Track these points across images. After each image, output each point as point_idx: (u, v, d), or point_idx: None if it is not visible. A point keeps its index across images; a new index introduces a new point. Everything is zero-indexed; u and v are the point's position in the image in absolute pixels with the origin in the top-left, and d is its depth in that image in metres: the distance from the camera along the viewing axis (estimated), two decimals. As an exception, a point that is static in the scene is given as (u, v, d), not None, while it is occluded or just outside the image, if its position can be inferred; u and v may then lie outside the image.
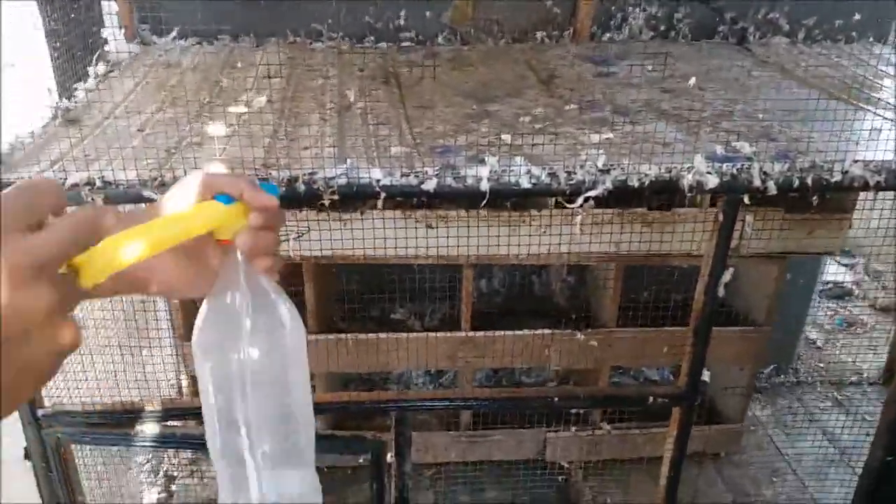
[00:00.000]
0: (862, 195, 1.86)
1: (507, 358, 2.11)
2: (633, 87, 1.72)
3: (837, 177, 1.25)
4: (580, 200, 1.23)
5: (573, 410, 2.31)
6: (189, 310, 2.00)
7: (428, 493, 2.24)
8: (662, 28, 2.14)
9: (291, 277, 2.09)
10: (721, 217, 1.29)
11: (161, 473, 2.25)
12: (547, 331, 2.11)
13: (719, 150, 1.28)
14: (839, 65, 1.99)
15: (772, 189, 1.24)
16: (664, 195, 1.88)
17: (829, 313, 3.08)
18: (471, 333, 2.09)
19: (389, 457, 1.41)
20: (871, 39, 2.17)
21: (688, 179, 1.23)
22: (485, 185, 1.20)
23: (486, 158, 1.21)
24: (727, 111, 1.56)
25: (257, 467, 0.66)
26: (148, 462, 2.30)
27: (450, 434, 2.28)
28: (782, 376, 2.77)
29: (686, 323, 2.12)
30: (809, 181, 1.25)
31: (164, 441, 1.34)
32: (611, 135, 1.37)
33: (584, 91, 1.69)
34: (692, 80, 1.67)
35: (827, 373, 2.76)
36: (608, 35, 2.12)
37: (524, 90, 1.71)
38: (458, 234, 1.88)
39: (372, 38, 2.04)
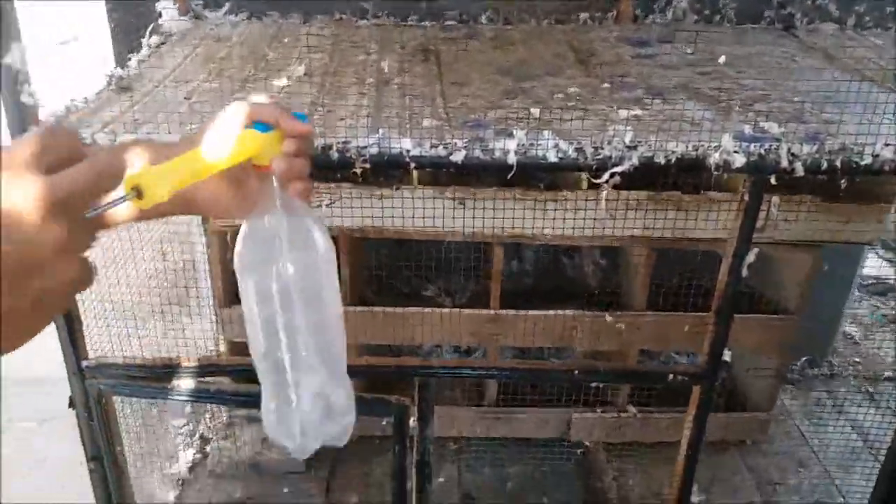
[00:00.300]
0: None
1: (534, 337, 2.13)
2: (670, 69, 1.72)
3: (868, 160, 1.25)
4: (606, 176, 1.25)
5: (598, 392, 2.34)
6: (228, 278, 2.08)
7: (451, 465, 2.29)
8: (707, 12, 2.12)
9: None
10: (746, 197, 1.30)
11: (197, 436, 2.34)
12: (574, 311, 2.13)
13: (747, 129, 1.28)
14: (887, 51, 1.95)
15: (799, 170, 1.25)
16: (696, 178, 1.88)
17: (869, 309, 3.03)
18: (499, 311, 2.13)
19: (412, 422, 1.45)
20: (923, 27, 2.12)
21: (714, 158, 1.24)
22: (512, 158, 1.23)
23: (514, 132, 1.24)
24: (763, 94, 1.56)
25: (295, 372, 0.71)
26: (185, 425, 2.40)
27: (475, 409, 2.32)
28: (816, 369, 2.74)
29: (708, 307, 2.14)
30: (838, 163, 1.24)
31: (199, 395, 1.41)
32: (639, 111, 1.39)
33: (620, 71, 1.70)
34: (722, 58, 1.67)
35: (862, 367, 2.72)
36: (651, 17, 2.11)
37: (562, 69, 1.73)
38: (489, 212, 1.92)
39: (416, 16, 2.08)
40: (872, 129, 1.27)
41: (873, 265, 3.12)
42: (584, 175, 1.89)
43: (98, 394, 1.39)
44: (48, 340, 1.51)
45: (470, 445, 2.34)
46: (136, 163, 0.60)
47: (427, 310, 2.13)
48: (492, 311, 2.14)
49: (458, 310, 2.19)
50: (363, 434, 2.30)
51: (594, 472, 2.29)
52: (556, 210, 1.93)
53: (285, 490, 2.15)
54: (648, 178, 1.95)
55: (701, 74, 1.68)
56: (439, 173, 1.97)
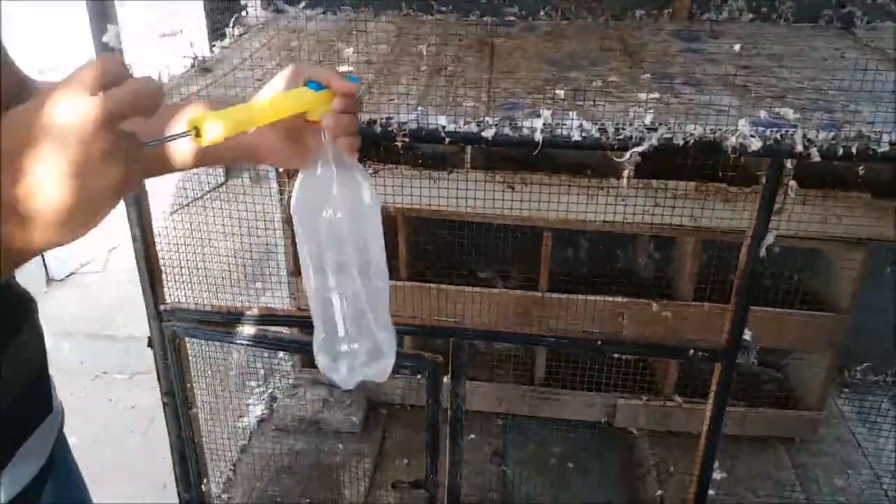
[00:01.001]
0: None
1: (581, 322, 2.22)
2: (713, 63, 1.78)
3: (885, 147, 1.29)
4: (627, 155, 1.34)
5: (645, 380, 2.40)
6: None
7: (497, 440, 2.40)
8: (764, 10, 2.16)
9: (388, 228, 2.31)
10: (764, 180, 1.36)
11: (267, 394, 2.55)
12: (622, 298, 2.21)
13: (763, 114, 1.35)
14: (947, 51, 1.94)
15: (815, 156, 1.30)
16: (742, 172, 1.93)
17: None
18: (546, 294, 2.23)
19: (446, 379, 1.58)
20: None
21: (731, 141, 1.31)
22: (538, 136, 1.34)
23: (541, 112, 1.36)
24: (799, 87, 1.60)
25: (342, 307, 0.78)
26: (258, 388, 2.62)
27: (523, 387, 2.43)
28: (876, 376, 2.69)
29: (764, 304, 2.17)
30: (854, 150, 1.29)
31: (260, 341, 1.59)
32: (670, 98, 1.47)
33: (664, 64, 1.78)
34: (737, 46, 1.73)
35: (930, 379, 2.66)
36: (707, 15, 2.17)
37: (607, 61, 1.82)
38: (536, 197, 2.03)
39: (478, 12, 2.21)
40: (890, 118, 1.31)
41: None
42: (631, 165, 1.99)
43: (172, 335, 1.60)
44: (143, 306, 1.73)
45: (516, 423, 2.45)
46: (195, 110, 0.74)
47: (478, 289, 2.26)
48: (540, 294, 2.25)
49: (508, 290, 2.31)
50: (414, 403, 2.46)
51: (635, 458, 2.35)
52: (602, 198, 2.02)
53: (340, 447, 2.33)
54: (696, 169, 2.02)
55: (742, 68, 1.74)
56: (492, 158, 2.10)
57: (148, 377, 2.86)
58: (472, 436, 2.38)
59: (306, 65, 0.75)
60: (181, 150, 0.81)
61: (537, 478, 2.26)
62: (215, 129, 0.60)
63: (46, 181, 0.52)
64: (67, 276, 3.42)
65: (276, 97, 0.71)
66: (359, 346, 0.79)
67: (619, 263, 2.60)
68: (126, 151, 0.55)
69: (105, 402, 2.78)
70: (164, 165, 0.83)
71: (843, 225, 2.01)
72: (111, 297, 3.25)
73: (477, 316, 2.26)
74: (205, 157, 0.83)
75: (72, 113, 0.51)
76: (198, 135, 0.60)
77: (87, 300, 3.22)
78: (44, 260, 3.39)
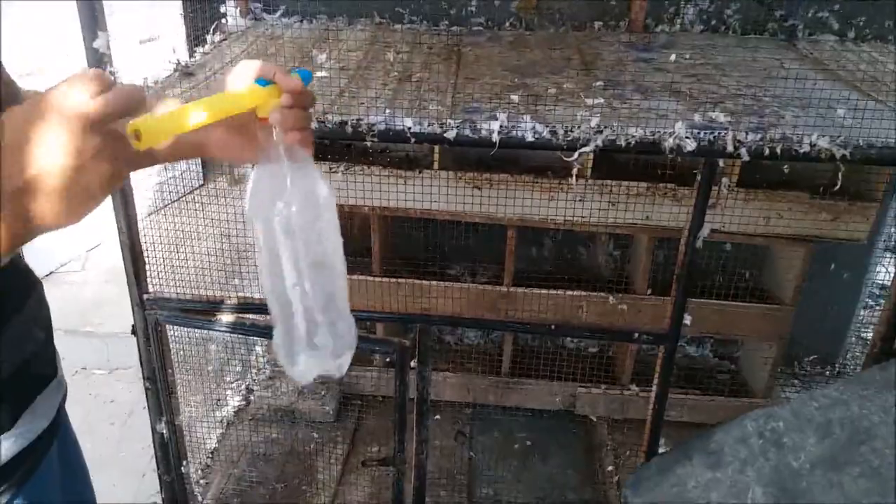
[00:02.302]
0: None
1: (544, 314, 2.35)
2: (662, 72, 1.93)
3: (806, 148, 1.44)
4: (576, 155, 1.47)
5: (605, 370, 2.54)
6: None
7: (466, 427, 2.52)
8: (713, 22, 2.31)
9: (361, 228, 2.44)
10: (699, 178, 1.50)
11: (244, 386, 2.65)
12: (580, 292, 2.34)
13: (697, 118, 1.49)
14: (878, 62, 2.10)
15: (744, 155, 1.44)
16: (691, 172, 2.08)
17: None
18: (511, 288, 2.36)
19: (413, 364, 1.70)
20: (924, 41, 2.26)
21: (669, 142, 1.45)
22: (495, 137, 1.47)
23: (498, 115, 1.48)
24: (738, 94, 1.75)
25: (301, 303, 0.78)
26: (234, 381, 2.71)
27: (490, 378, 2.56)
28: (827, 368, 2.86)
29: (717, 297, 2.32)
30: (779, 150, 1.44)
31: (237, 328, 1.70)
32: (618, 104, 1.61)
33: (616, 72, 1.92)
34: (672, 56, 1.87)
35: (870, 368, 2.82)
36: (661, 27, 2.31)
37: (565, 69, 1.96)
38: (502, 197, 2.16)
39: (446, 21, 2.34)
40: (816, 123, 1.46)
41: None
42: (590, 164, 2.13)
43: (155, 323, 1.70)
44: (122, 304, 1.82)
45: (484, 412, 2.58)
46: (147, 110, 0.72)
47: (447, 283, 2.38)
48: (505, 288, 2.38)
49: (476, 285, 2.43)
50: (386, 395, 2.57)
51: (594, 443, 2.49)
52: (563, 197, 2.16)
53: (315, 436, 2.43)
54: (649, 170, 2.16)
55: (688, 76, 1.88)
56: (460, 160, 2.23)
57: (127, 372, 2.96)
58: (441, 421, 2.50)
59: (255, 62, 0.76)
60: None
61: (502, 461, 2.39)
62: (154, 135, 0.62)
63: (45, 174, 0.58)
64: (47, 275, 3.48)
65: (212, 98, 0.71)
66: (317, 340, 0.80)
67: (581, 259, 2.74)
68: (115, 149, 0.62)
69: (85, 397, 2.85)
70: (146, 160, 0.88)
71: (786, 222, 2.16)
72: (90, 294, 3.33)
73: (446, 308, 2.39)
74: (158, 155, 0.82)
75: (68, 113, 0.58)
76: (138, 138, 0.62)
77: (67, 298, 3.29)
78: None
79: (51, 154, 0.58)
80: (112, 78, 0.62)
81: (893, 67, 2.04)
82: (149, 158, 0.87)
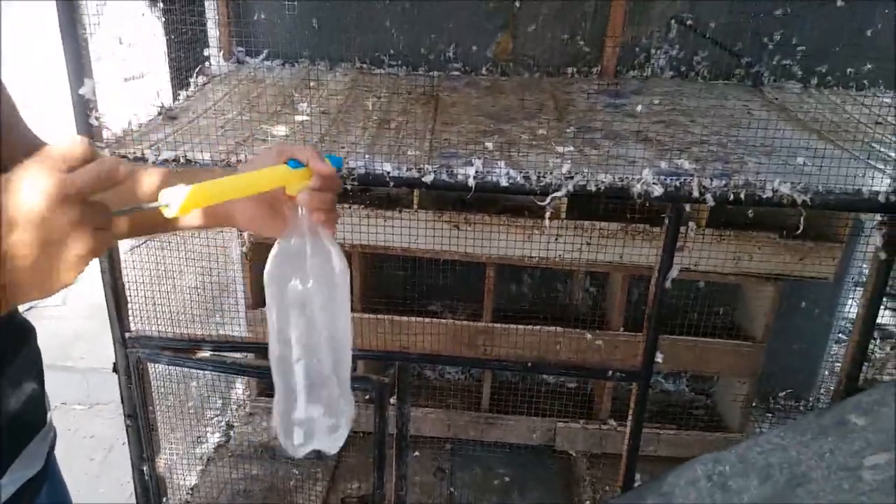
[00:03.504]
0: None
1: (522, 350, 2.39)
2: (632, 118, 2.00)
3: (769, 194, 1.51)
4: (548, 199, 1.53)
5: (584, 406, 2.58)
6: (256, 285, 2.41)
7: (446, 463, 2.54)
8: (683, 69, 2.40)
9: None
10: (667, 221, 1.56)
11: (224, 423, 2.66)
12: (558, 328, 2.39)
13: (664, 165, 1.55)
14: (839, 109, 2.19)
15: (709, 200, 1.51)
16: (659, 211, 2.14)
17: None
18: (490, 324, 2.40)
19: (392, 400, 1.74)
20: (882, 87, 2.36)
21: (637, 188, 1.51)
22: (471, 182, 1.53)
23: (474, 161, 1.54)
24: (704, 140, 1.82)
25: (304, 381, 0.79)
26: (214, 417, 2.72)
27: (470, 413, 2.59)
28: (801, 403, 2.91)
29: (692, 334, 2.38)
30: (742, 196, 1.50)
31: (218, 366, 1.72)
32: (588, 150, 1.67)
33: (588, 118, 1.99)
34: (639, 107, 1.95)
35: (842, 402, 2.88)
36: (632, 73, 2.40)
37: (538, 115, 2.03)
38: (480, 236, 2.21)
39: (425, 66, 2.42)
40: (779, 169, 1.53)
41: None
42: (564, 206, 2.19)
43: (137, 361, 1.72)
44: (103, 339, 1.84)
45: (465, 447, 2.60)
46: (173, 181, 0.72)
47: (427, 320, 2.42)
48: (485, 324, 2.42)
49: (454, 321, 2.47)
50: (367, 430, 2.59)
51: (573, 478, 2.52)
52: (539, 237, 2.21)
53: (295, 472, 2.44)
54: (623, 211, 2.23)
55: (657, 122, 1.96)
56: (439, 200, 2.28)
57: (106, 407, 2.96)
58: (421, 457, 2.52)
59: (290, 146, 0.80)
60: (161, 217, 0.89)
61: (482, 497, 2.41)
62: (184, 204, 0.65)
63: (22, 249, 0.58)
64: (28, 310, 3.48)
65: (247, 175, 0.74)
66: (316, 417, 0.80)
67: (558, 296, 2.79)
68: (94, 221, 0.61)
69: (64, 432, 2.84)
70: (146, 228, 0.92)
71: (756, 261, 2.23)
72: (71, 329, 3.33)
73: (426, 345, 2.42)
74: (184, 222, 0.86)
75: (39, 190, 0.58)
76: (169, 206, 0.64)
77: (48, 332, 3.29)
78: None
79: (25, 228, 0.58)
80: (93, 149, 0.62)
81: (854, 113, 2.14)
82: (146, 227, 0.91)
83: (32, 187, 0.58)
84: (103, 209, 0.62)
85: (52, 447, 1.03)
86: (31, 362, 0.96)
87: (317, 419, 0.80)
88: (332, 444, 0.83)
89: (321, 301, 0.77)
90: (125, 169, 0.62)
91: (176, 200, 0.64)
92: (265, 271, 0.79)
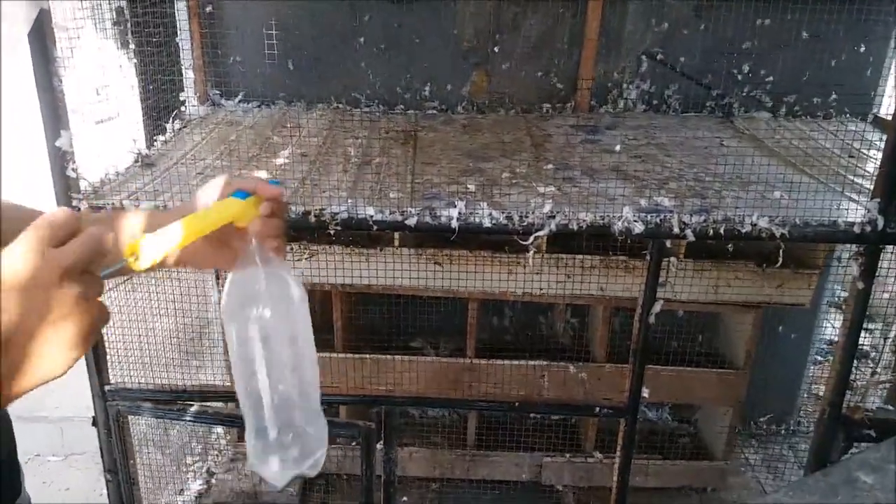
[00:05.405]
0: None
1: (507, 385, 2.39)
2: (609, 153, 2.02)
3: (748, 228, 1.53)
4: (531, 238, 1.54)
5: (569, 439, 2.57)
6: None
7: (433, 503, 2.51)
8: (655, 102, 2.44)
9: (324, 303, 2.45)
10: (649, 257, 1.58)
11: (205, 470, 2.60)
12: (543, 362, 2.38)
13: (643, 202, 1.57)
14: (809, 138, 2.24)
15: (690, 236, 1.52)
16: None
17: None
18: (474, 361, 2.39)
19: (379, 446, 1.71)
20: (848, 115, 2.42)
21: (618, 226, 1.52)
22: (454, 223, 1.53)
23: (456, 202, 1.55)
24: (681, 175, 1.85)
25: (272, 409, 0.78)
26: (195, 464, 2.66)
27: (456, 451, 2.56)
28: (779, 426, 2.93)
29: (674, 364, 2.38)
30: (722, 231, 1.52)
31: (199, 417, 1.69)
32: (568, 188, 1.69)
33: (565, 155, 2.01)
34: (617, 147, 1.97)
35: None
36: (605, 108, 2.43)
37: (517, 152, 2.04)
38: (462, 272, 2.21)
39: (402, 105, 2.43)
40: (756, 203, 1.55)
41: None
42: (545, 240, 2.20)
43: (117, 413, 1.68)
44: (75, 385, 1.79)
45: (451, 486, 2.57)
46: (133, 230, 0.75)
47: (411, 358, 2.40)
48: (469, 361, 2.41)
49: (439, 358, 2.46)
50: (351, 473, 2.55)
51: (561, 513, 2.50)
52: (520, 272, 2.21)
53: (278, 519, 2.40)
54: (601, 244, 2.24)
55: (633, 157, 1.98)
56: (420, 237, 2.28)
57: (82, 458, 2.88)
58: (408, 500, 2.48)
59: (233, 178, 0.79)
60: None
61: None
62: (151, 253, 0.65)
63: (27, 335, 0.56)
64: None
65: (202, 213, 0.74)
66: (290, 441, 0.80)
67: (541, 330, 2.79)
68: (96, 292, 0.60)
69: (39, 485, 2.76)
70: (120, 273, 0.92)
71: (735, 290, 2.25)
72: (44, 378, 3.25)
73: (410, 383, 2.40)
74: (150, 268, 0.83)
75: (35, 270, 0.56)
76: (137, 258, 0.64)
77: (20, 382, 3.21)
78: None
79: (32, 313, 0.56)
80: (76, 218, 0.60)
81: (821, 140, 2.18)
82: (132, 271, 0.90)
83: (29, 266, 0.56)
84: (97, 278, 0.61)
85: None
86: (2, 433, 0.93)
87: (290, 445, 0.80)
88: (311, 468, 0.81)
89: (282, 329, 0.77)
90: (111, 237, 0.61)
91: (144, 251, 0.65)
92: (221, 306, 0.78)
